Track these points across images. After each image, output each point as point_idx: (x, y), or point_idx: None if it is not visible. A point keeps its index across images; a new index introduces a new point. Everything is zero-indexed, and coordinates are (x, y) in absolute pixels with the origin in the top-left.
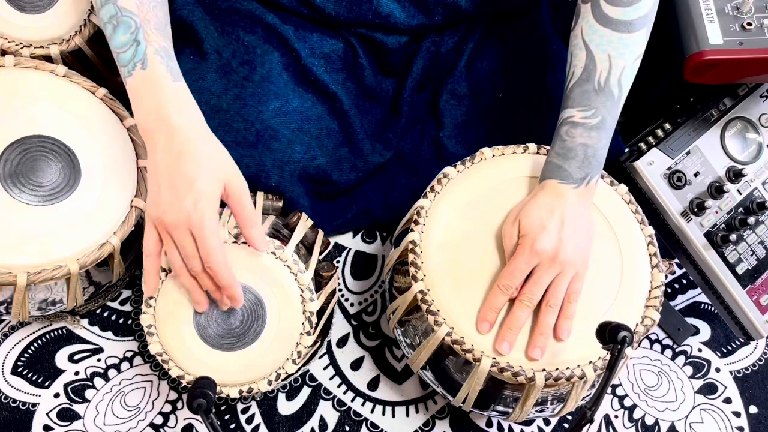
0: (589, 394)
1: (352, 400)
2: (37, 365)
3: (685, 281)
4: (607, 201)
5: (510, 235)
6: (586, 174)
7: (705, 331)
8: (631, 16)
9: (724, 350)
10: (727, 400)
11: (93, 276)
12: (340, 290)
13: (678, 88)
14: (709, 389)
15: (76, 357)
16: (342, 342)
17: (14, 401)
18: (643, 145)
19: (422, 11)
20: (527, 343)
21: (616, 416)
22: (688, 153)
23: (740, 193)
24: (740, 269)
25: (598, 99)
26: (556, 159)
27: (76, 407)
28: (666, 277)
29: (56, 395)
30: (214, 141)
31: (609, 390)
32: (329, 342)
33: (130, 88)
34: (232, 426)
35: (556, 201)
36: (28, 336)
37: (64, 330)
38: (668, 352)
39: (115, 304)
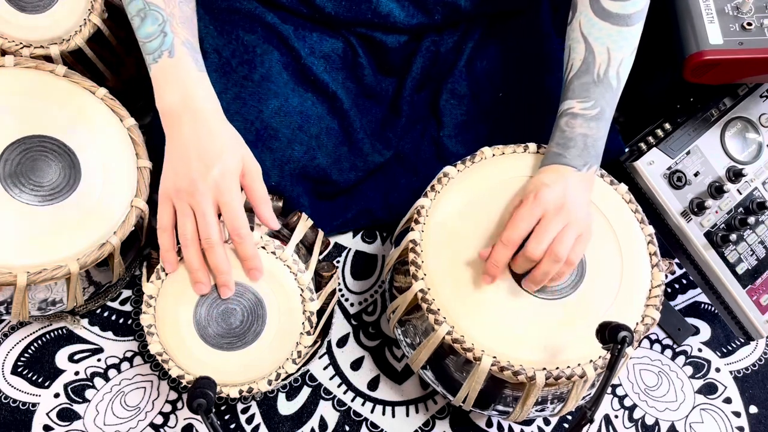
0: (589, 394)
1: (352, 400)
2: (37, 365)
3: (685, 281)
4: (607, 200)
5: (512, 207)
6: (586, 162)
7: (705, 331)
8: (629, 9)
9: (724, 350)
10: (727, 400)
11: (93, 276)
12: (340, 290)
13: (678, 88)
14: (709, 389)
15: (76, 357)
16: (342, 342)
17: (14, 401)
18: (643, 145)
19: (421, 10)
20: (525, 278)
21: (616, 416)
22: (688, 153)
23: (740, 193)
24: (740, 269)
25: (598, 90)
26: (556, 148)
27: (76, 407)
28: (666, 276)
29: (56, 395)
30: (231, 126)
31: (609, 390)
32: (329, 342)
33: (156, 73)
34: (232, 426)
35: (558, 176)
36: (28, 336)
37: (64, 330)
38: (668, 352)
39: (115, 304)
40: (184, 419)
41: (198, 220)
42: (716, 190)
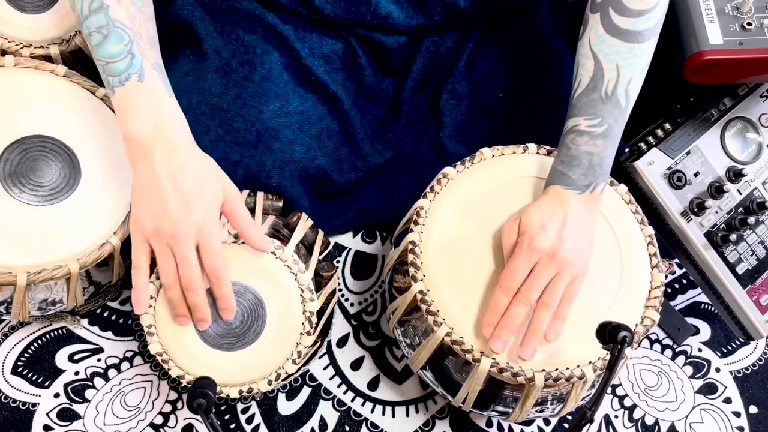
0: (589, 394)
1: (352, 400)
2: (37, 365)
3: (685, 281)
4: (607, 201)
5: (510, 232)
6: (591, 182)
7: (705, 331)
8: (641, 26)
9: (724, 350)
10: (727, 400)
11: (93, 276)
12: (340, 290)
13: (678, 88)
14: (709, 389)
15: (76, 357)
16: (342, 342)
17: (14, 401)
18: (643, 145)
19: (421, 11)
20: (520, 342)
21: (616, 416)
22: (688, 153)
23: (740, 193)
24: (740, 269)
25: (605, 108)
26: (560, 167)
27: (76, 407)
28: (666, 277)
29: (56, 395)
30: (204, 153)
31: (609, 390)
32: (329, 342)
33: (122, 98)
34: (232, 426)
35: (558, 205)
36: (28, 336)
37: (64, 330)
38: (668, 352)
39: (115, 304)
40: (184, 419)
41: (179, 264)
42: (716, 190)
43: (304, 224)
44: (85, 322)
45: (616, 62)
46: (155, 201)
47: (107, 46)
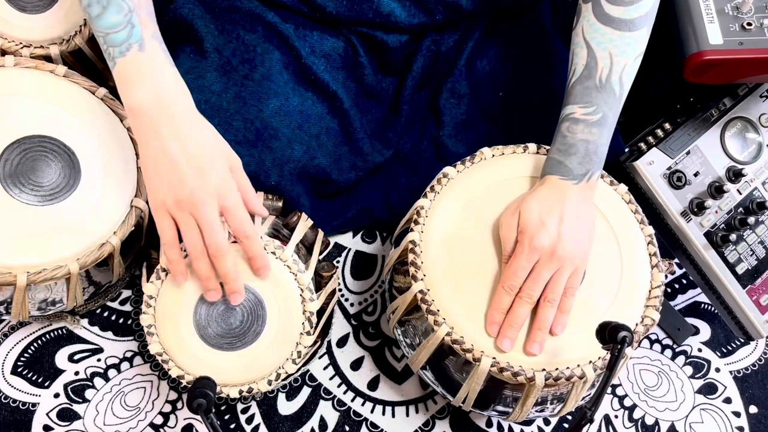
0: (589, 394)
1: (352, 400)
2: (37, 365)
3: (685, 281)
4: (607, 201)
5: (508, 226)
6: (587, 170)
7: (705, 331)
8: (632, 14)
9: (724, 350)
10: (727, 400)
11: (93, 276)
12: (340, 290)
13: (678, 88)
14: (709, 389)
15: (76, 357)
16: (342, 342)
17: (14, 401)
18: (643, 145)
19: (423, 10)
20: (526, 338)
21: (616, 416)
22: (688, 153)
23: (740, 193)
24: (740, 269)
25: (600, 96)
26: (556, 155)
27: (76, 407)
28: (666, 276)
29: (56, 395)
30: (206, 121)
31: (609, 390)
32: (329, 342)
33: (123, 68)
34: (232, 426)
35: (556, 196)
36: (28, 336)
37: (64, 330)
38: (668, 352)
39: (115, 304)
40: (184, 419)
41: (204, 230)
42: (716, 190)
43: (304, 224)
44: (85, 322)
45: (609, 50)
46: (170, 172)
47: (107, 16)
